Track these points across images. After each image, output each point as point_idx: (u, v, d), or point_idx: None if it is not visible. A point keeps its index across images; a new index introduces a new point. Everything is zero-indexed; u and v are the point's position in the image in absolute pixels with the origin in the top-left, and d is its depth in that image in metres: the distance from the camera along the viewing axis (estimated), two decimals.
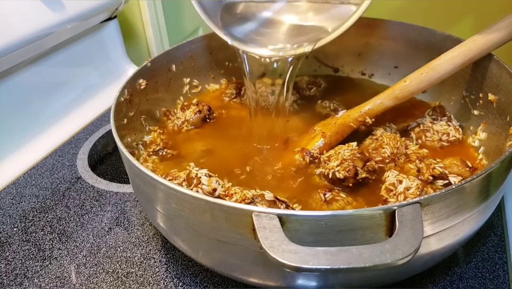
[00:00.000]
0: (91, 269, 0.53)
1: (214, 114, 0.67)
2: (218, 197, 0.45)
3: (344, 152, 0.51)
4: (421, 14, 0.86)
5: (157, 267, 0.53)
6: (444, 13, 0.84)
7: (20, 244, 0.57)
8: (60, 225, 0.60)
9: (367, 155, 0.53)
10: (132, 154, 0.51)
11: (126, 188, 0.66)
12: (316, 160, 0.54)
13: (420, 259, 0.41)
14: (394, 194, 0.46)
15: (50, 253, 0.56)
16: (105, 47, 0.95)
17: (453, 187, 0.36)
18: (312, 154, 0.55)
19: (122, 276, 0.52)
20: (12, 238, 0.58)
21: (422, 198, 0.35)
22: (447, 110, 0.61)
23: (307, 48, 0.55)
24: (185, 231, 0.43)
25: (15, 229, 0.60)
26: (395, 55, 0.71)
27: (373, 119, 0.58)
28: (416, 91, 0.56)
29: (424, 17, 0.78)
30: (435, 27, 0.66)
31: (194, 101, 0.67)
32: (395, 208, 0.35)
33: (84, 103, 0.89)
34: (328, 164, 0.52)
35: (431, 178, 0.50)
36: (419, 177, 0.50)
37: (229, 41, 0.58)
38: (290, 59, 0.56)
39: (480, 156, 0.55)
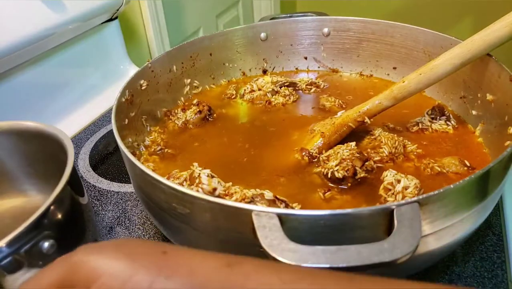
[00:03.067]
0: None
1: (215, 115, 0.67)
2: (218, 196, 0.46)
3: (343, 152, 0.52)
4: (420, 15, 0.87)
5: None
6: (443, 14, 0.84)
7: None
8: None
9: (365, 154, 0.53)
10: (133, 154, 0.52)
11: (127, 188, 0.66)
12: (315, 160, 0.55)
13: (418, 258, 0.41)
14: (393, 193, 0.47)
15: None
16: (106, 48, 0.95)
17: (451, 186, 0.36)
18: (311, 153, 0.55)
19: None
20: None
21: (421, 197, 0.36)
22: (446, 110, 0.62)
23: None
24: (186, 230, 0.43)
25: None
26: (394, 56, 0.72)
27: (371, 119, 0.58)
28: (414, 91, 0.56)
29: (423, 18, 0.79)
30: (434, 28, 0.66)
31: (195, 101, 0.67)
32: (394, 207, 0.35)
33: (85, 104, 0.89)
34: (327, 164, 0.52)
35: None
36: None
37: None
38: None
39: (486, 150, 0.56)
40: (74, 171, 0.49)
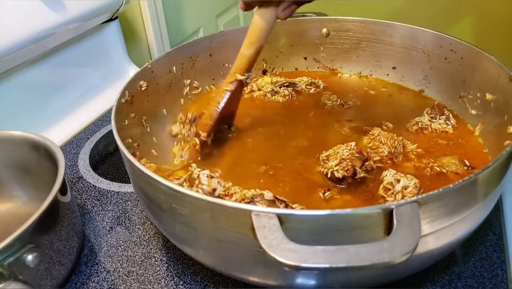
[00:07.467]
0: (92, 268, 0.53)
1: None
2: (218, 196, 0.46)
3: (343, 152, 0.52)
4: (420, 15, 0.87)
5: (158, 266, 0.53)
6: (443, 14, 0.84)
7: None
8: None
9: (365, 154, 0.53)
10: (133, 154, 0.52)
11: (127, 188, 0.67)
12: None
13: (418, 258, 0.41)
14: (392, 193, 0.47)
15: None
16: (106, 48, 0.95)
17: (451, 186, 0.36)
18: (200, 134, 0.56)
19: (123, 275, 0.52)
20: None
21: (420, 196, 0.36)
22: (445, 109, 0.62)
23: None
24: (186, 230, 0.43)
25: None
26: (394, 56, 0.72)
27: (249, 73, 0.57)
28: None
29: (423, 18, 0.79)
30: (434, 28, 0.66)
31: (189, 115, 0.61)
32: (393, 207, 0.35)
33: (86, 104, 0.89)
34: (327, 163, 0.52)
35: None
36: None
37: None
38: None
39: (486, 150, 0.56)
40: (64, 182, 0.50)
